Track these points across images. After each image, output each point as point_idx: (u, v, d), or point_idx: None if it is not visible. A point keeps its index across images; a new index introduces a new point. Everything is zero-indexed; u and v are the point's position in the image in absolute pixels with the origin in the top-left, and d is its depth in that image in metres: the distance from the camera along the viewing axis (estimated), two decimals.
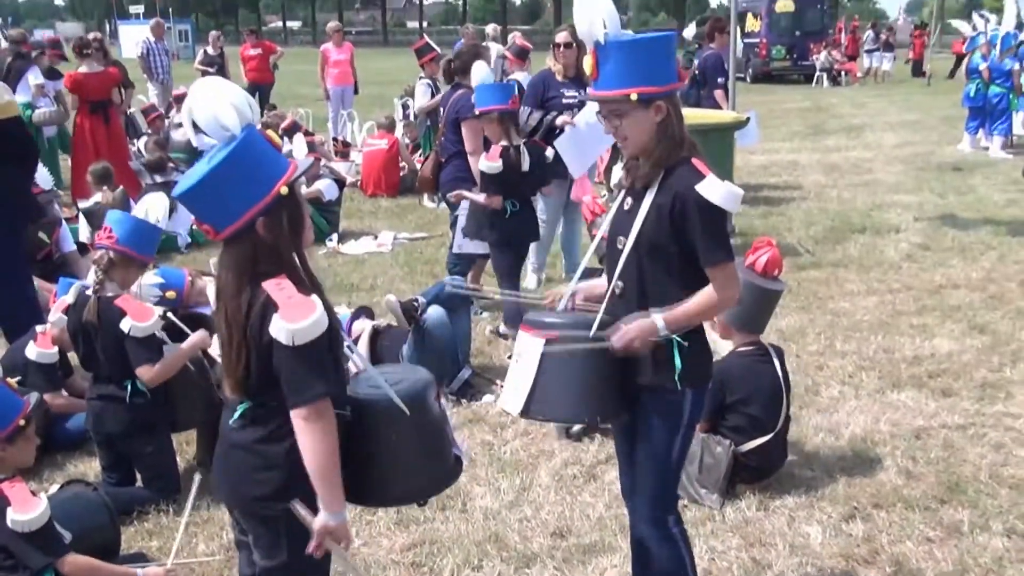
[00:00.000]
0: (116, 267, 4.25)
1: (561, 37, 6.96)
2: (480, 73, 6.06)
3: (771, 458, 4.36)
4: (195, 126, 2.40)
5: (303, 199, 2.51)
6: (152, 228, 4.37)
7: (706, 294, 2.79)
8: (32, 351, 4.83)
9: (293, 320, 2.28)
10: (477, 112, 6.03)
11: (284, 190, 2.37)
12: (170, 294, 5.43)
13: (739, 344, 4.48)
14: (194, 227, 8.70)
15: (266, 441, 2.46)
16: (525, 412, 2.94)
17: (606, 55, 2.78)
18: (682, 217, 2.76)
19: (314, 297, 2.34)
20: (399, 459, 2.61)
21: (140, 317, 4.14)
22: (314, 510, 2.44)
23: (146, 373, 4.18)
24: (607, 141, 7.10)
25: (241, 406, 2.50)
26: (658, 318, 2.79)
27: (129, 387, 4.23)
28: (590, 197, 5.69)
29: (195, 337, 4.40)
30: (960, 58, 29.73)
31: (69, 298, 4.38)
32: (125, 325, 4.10)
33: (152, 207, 4.47)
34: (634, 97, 2.74)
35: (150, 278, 5.71)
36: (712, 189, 2.73)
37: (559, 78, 6.93)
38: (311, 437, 2.35)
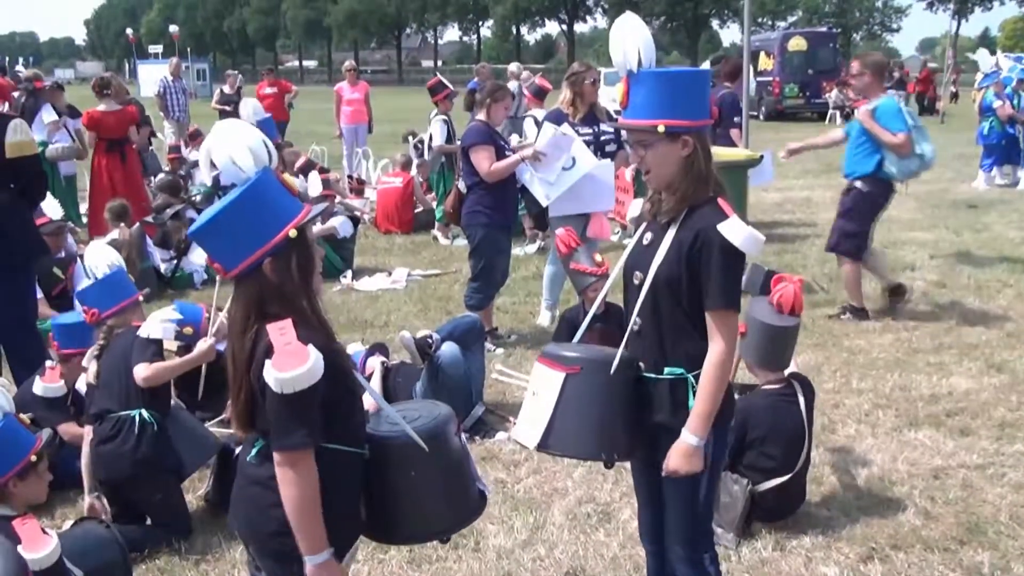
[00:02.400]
0: (116, 325, 4.43)
1: (593, 75, 7.10)
2: (249, 108, 6.35)
3: (789, 498, 4.32)
4: (212, 166, 2.47)
5: (314, 244, 2.54)
6: (114, 277, 4.48)
7: (707, 374, 2.78)
8: (39, 387, 4.85)
9: (283, 369, 2.29)
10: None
11: (293, 233, 2.40)
12: (187, 330, 5.45)
13: (764, 381, 4.46)
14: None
15: None
16: (542, 446, 2.91)
17: (637, 84, 2.79)
18: (699, 255, 2.75)
19: (310, 347, 2.33)
20: (420, 496, 2.60)
21: (156, 324, 4.30)
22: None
23: (142, 371, 4.21)
24: (607, 203, 7.15)
25: (258, 443, 2.51)
26: (688, 436, 2.80)
27: (137, 421, 4.24)
28: (563, 229, 5.66)
29: (201, 347, 4.42)
30: (922, 95, 30.00)
31: (85, 363, 4.51)
32: (144, 330, 4.24)
33: (96, 262, 4.55)
34: (661, 129, 2.75)
35: (168, 313, 5.74)
36: (734, 230, 2.72)
37: (572, 118, 6.97)
38: (285, 484, 2.39)
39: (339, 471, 2.47)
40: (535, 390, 2.94)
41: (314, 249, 2.53)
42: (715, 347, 2.78)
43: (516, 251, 9.99)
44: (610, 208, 7.31)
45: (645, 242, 2.93)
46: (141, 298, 4.74)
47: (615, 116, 7.47)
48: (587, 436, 2.89)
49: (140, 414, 4.26)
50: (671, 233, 2.82)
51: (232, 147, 2.41)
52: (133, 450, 4.22)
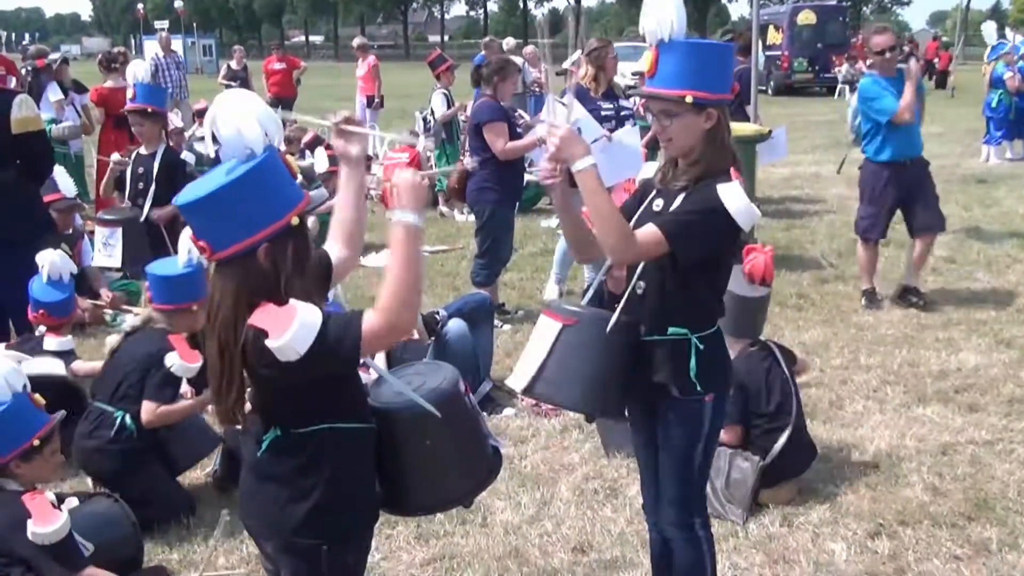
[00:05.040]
0: (161, 320, 4.35)
1: (614, 49, 7.10)
2: (139, 69, 6.23)
3: (798, 450, 4.34)
4: (215, 139, 2.29)
5: (310, 234, 2.41)
6: (174, 278, 4.28)
7: (605, 205, 2.73)
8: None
9: (280, 334, 2.14)
10: (150, 110, 6.21)
11: (296, 220, 2.26)
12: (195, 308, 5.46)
13: (739, 350, 4.50)
14: None
15: (301, 471, 2.36)
16: (528, 390, 2.93)
17: (668, 53, 2.77)
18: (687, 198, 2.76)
19: (292, 302, 2.19)
20: (437, 464, 2.54)
21: (189, 359, 4.09)
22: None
23: (150, 411, 4.15)
24: (635, 167, 7.11)
25: (267, 437, 2.38)
26: (589, 155, 2.72)
27: (118, 422, 4.20)
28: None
29: (206, 396, 4.22)
30: (932, 66, 29.82)
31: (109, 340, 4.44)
32: (169, 360, 4.07)
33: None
34: (689, 100, 2.74)
35: None
36: (731, 193, 2.72)
37: (594, 93, 6.94)
38: (393, 314, 2.22)
39: (350, 449, 2.40)
40: (532, 339, 2.96)
41: (311, 240, 2.39)
42: (633, 235, 2.75)
43: (545, 224, 10.05)
44: (638, 171, 7.22)
45: (655, 207, 2.93)
46: (195, 308, 4.29)
47: (627, 93, 7.41)
48: (573, 387, 2.89)
49: (123, 417, 4.21)
50: (679, 199, 2.83)
51: (240, 119, 2.22)
52: (109, 450, 4.20)
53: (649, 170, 4.01)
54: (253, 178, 2.20)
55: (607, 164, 6.65)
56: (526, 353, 2.97)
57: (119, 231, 6.03)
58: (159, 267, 4.45)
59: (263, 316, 2.19)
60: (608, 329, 2.84)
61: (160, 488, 4.31)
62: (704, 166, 2.80)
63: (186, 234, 4.26)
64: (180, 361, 4.07)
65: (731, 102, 2.97)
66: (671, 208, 2.83)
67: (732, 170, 2.80)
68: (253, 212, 2.21)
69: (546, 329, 2.90)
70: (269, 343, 2.16)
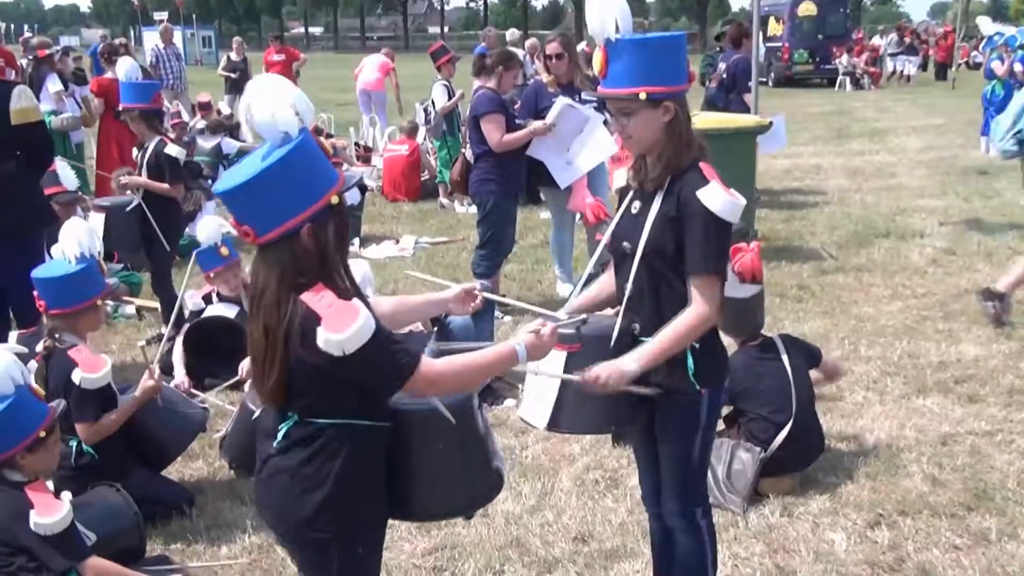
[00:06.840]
0: (63, 327, 4.12)
1: (551, 48, 7.00)
2: (125, 67, 6.21)
3: (802, 444, 4.34)
4: (249, 124, 2.31)
5: (346, 212, 2.43)
6: (76, 274, 4.08)
7: (679, 323, 2.77)
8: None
9: (338, 329, 2.17)
10: (138, 110, 6.20)
11: (335, 199, 2.29)
12: (224, 251, 5.74)
13: (740, 344, 4.52)
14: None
15: (312, 463, 2.37)
16: (552, 425, 2.93)
17: (616, 53, 2.77)
18: (680, 221, 2.77)
19: (355, 300, 2.25)
20: (444, 470, 2.55)
21: (91, 368, 3.97)
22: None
23: (84, 431, 4.03)
24: (598, 158, 7.10)
25: (283, 426, 2.39)
26: (629, 361, 2.75)
27: (74, 450, 4.06)
28: (593, 200, 5.63)
29: (144, 387, 4.19)
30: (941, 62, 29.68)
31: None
32: (75, 377, 3.93)
33: (68, 246, 4.10)
34: (643, 96, 2.74)
35: (225, 224, 5.74)
36: (713, 197, 2.73)
37: (551, 88, 6.92)
38: (444, 386, 2.42)
39: (363, 446, 2.40)
40: (536, 368, 2.91)
41: (347, 217, 2.43)
42: (694, 308, 2.78)
43: (545, 215, 10.03)
44: (614, 151, 7.18)
45: (634, 211, 2.93)
46: (100, 303, 4.28)
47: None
48: (595, 412, 2.90)
49: (79, 444, 4.08)
50: (657, 201, 2.83)
51: (273, 103, 2.24)
52: (77, 477, 3.99)
53: (620, 178, 4.02)
54: (291, 161, 2.23)
55: (582, 151, 6.70)
56: (534, 385, 2.96)
57: (103, 216, 6.07)
58: (48, 270, 4.20)
59: (322, 304, 2.22)
60: (611, 344, 2.84)
61: (150, 491, 4.17)
62: (671, 162, 2.81)
63: (69, 227, 4.18)
64: (84, 374, 3.94)
65: (687, 91, 2.94)
66: (652, 210, 2.82)
67: (703, 164, 2.80)
68: (294, 194, 2.25)
69: (550, 359, 2.85)
70: (323, 334, 2.19)
